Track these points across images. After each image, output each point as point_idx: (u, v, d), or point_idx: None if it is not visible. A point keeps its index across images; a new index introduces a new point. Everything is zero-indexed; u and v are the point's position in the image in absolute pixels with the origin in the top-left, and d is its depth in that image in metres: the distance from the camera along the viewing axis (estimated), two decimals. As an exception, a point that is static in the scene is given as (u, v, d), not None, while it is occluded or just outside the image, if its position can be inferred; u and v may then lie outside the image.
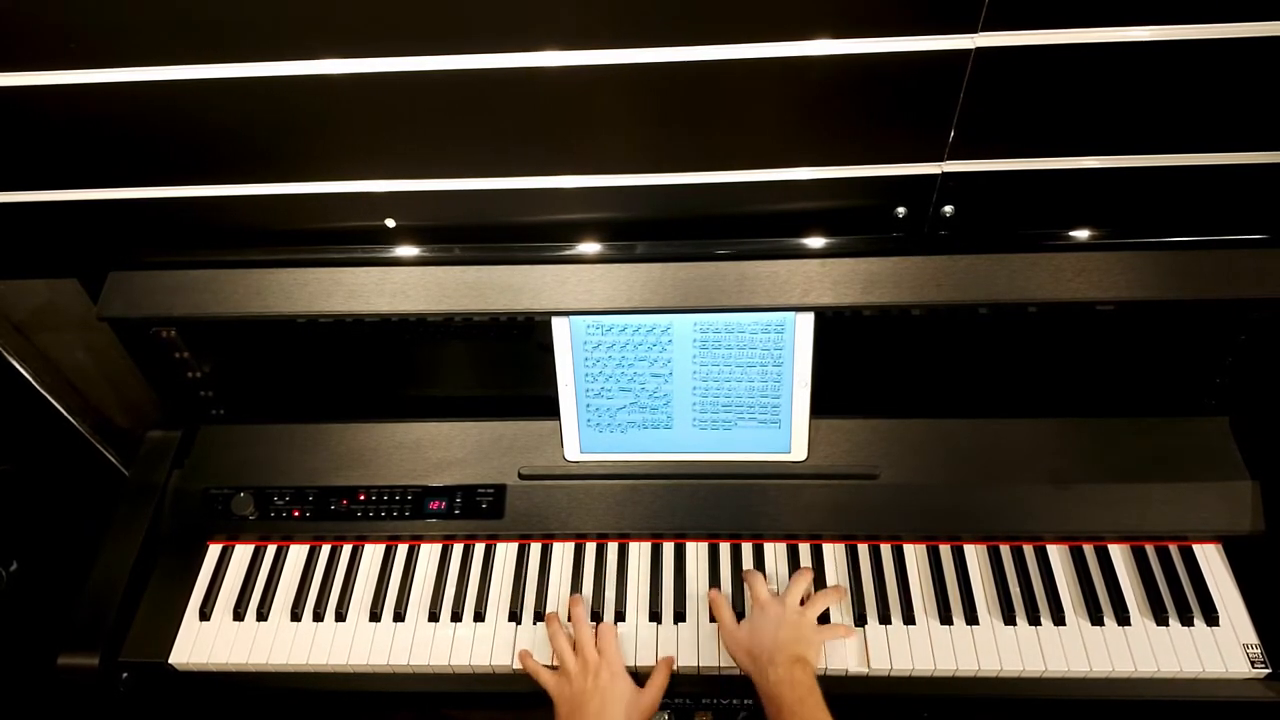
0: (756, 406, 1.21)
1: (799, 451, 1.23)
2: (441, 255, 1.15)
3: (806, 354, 1.16)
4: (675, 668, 1.14)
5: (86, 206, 1.10)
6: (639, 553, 1.25)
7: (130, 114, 0.99)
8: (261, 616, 1.22)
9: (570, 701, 1.09)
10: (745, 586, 1.19)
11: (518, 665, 1.16)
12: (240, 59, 0.93)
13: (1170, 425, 1.22)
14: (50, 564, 1.51)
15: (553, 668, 1.15)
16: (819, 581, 1.20)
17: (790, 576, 1.20)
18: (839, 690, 1.13)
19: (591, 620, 1.18)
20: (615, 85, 0.95)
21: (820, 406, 1.21)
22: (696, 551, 1.25)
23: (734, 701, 1.18)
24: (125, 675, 1.19)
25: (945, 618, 1.16)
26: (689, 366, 1.19)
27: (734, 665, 1.12)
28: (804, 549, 1.24)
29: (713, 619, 1.17)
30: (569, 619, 1.19)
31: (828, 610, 1.16)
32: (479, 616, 1.20)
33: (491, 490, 1.25)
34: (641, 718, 1.09)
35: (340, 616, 1.22)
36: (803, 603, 1.15)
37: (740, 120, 0.99)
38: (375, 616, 1.21)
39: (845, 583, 1.20)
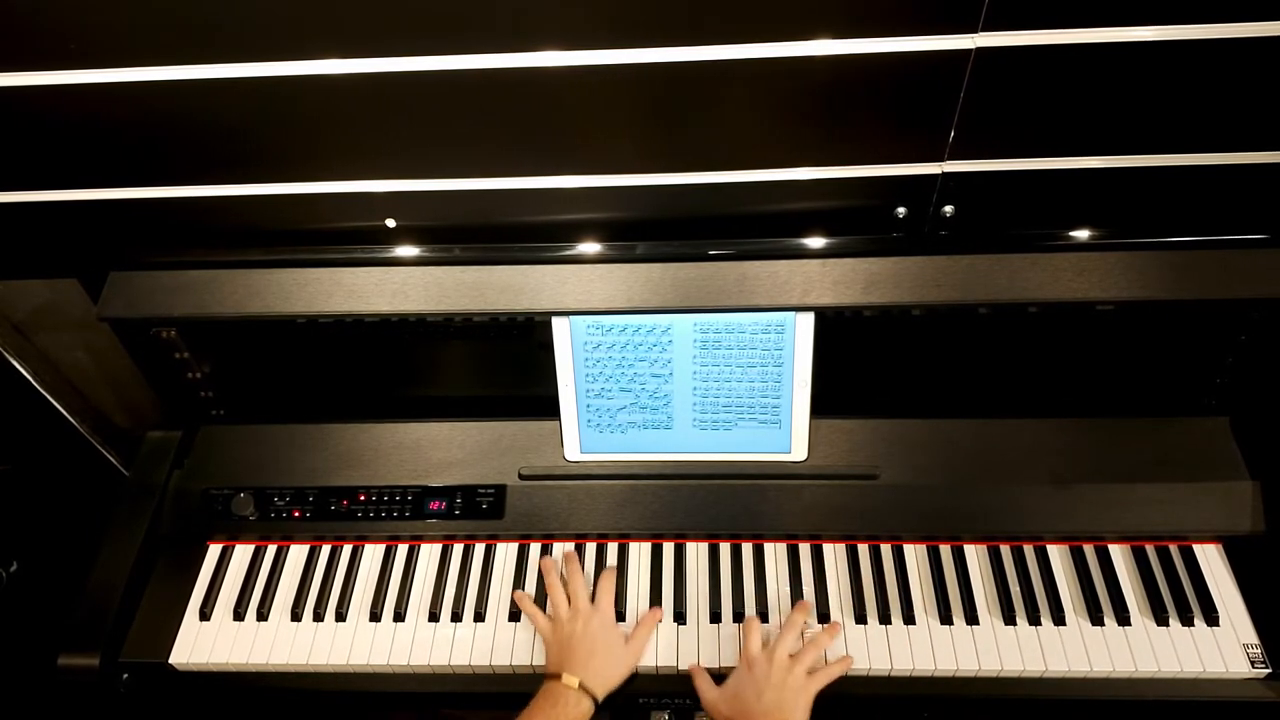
0: (756, 406, 1.21)
1: (799, 452, 1.23)
2: (441, 255, 1.15)
3: (806, 354, 1.16)
4: (675, 668, 1.14)
5: (86, 206, 1.10)
6: (639, 553, 1.25)
7: (130, 114, 0.99)
8: (262, 617, 1.22)
9: (559, 645, 1.12)
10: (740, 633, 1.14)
11: (518, 665, 1.16)
12: (240, 59, 0.93)
13: (1170, 425, 1.22)
14: (50, 564, 1.51)
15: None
16: (820, 588, 1.20)
17: (792, 608, 1.15)
18: (839, 690, 1.13)
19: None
20: (615, 85, 0.95)
21: (820, 406, 1.21)
22: (696, 552, 1.25)
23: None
24: (125, 675, 1.19)
25: (945, 618, 1.16)
26: (689, 367, 1.19)
27: (735, 664, 1.12)
28: (804, 549, 1.24)
29: (710, 624, 1.17)
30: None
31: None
32: (479, 617, 1.20)
33: (491, 490, 1.25)
34: (627, 668, 1.11)
35: (340, 617, 1.22)
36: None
37: (740, 120, 0.99)
38: (375, 617, 1.21)
39: (845, 583, 1.20)
